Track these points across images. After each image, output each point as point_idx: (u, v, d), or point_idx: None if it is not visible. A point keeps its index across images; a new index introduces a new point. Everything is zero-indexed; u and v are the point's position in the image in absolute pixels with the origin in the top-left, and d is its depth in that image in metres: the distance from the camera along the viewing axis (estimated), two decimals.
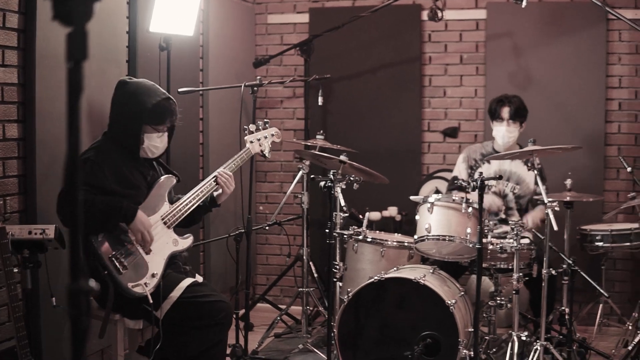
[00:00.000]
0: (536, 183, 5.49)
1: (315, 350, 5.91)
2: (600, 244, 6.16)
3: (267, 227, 6.48)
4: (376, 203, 6.86)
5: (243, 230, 5.51)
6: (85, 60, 1.58)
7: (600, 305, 6.47)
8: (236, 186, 4.99)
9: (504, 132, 6.00)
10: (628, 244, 6.13)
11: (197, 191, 4.61)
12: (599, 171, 6.92)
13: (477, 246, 4.71)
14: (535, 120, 6.46)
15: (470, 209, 5.14)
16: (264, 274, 7.76)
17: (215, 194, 4.78)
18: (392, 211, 7.00)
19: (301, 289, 6.39)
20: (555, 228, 4.92)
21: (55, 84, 4.59)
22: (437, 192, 6.67)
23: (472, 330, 4.94)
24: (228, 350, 5.37)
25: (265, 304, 6.95)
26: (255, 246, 7.71)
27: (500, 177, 5.06)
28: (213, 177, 4.70)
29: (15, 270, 3.76)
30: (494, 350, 5.59)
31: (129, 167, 4.40)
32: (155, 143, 4.47)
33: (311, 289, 6.43)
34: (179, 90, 5.51)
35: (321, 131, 6.28)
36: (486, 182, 5.29)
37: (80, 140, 1.61)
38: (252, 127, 5.03)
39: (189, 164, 6.26)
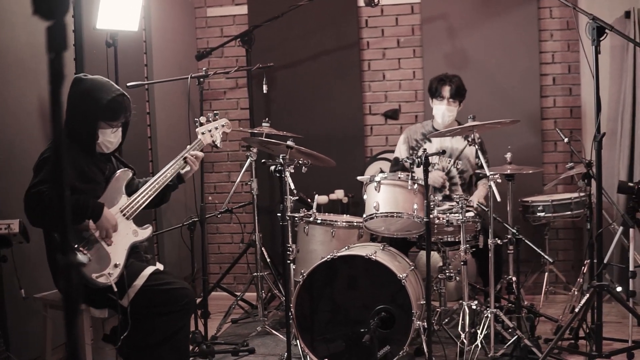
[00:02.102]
0: (477, 157, 5.70)
1: (273, 332, 6.05)
2: (542, 214, 6.38)
3: (219, 215, 6.59)
4: (323, 187, 6.96)
5: (197, 219, 5.63)
6: (66, 51, 1.70)
7: (546, 274, 6.71)
8: (191, 179, 5.14)
9: (444, 111, 6.19)
10: (569, 212, 6.35)
11: (158, 178, 4.73)
12: (538, 145, 7.15)
13: (424, 220, 4.87)
14: (474, 98, 6.66)
15: (415, 186, 5.31)
16: (217, 263, 7.88)
17: (182, 171, 4.91)
18: (338, 194, 7.14)
19: (255, 274, 6.52)
20: (499, 199, 5.10)
21: (3, 84, 4.66)
22: (382, 172, 6.83)
23: (424, 302, 5.12)
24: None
25: (220, 292, 7.05)
26: (206, 236, 7.82)
27: (443, 152, 5.24)
28: (182, 158, 4.84)
29: None
30: (446, 321, 5.79)
31: (87, 162, 4.48)
32: (109, 139, 4.55)
33: (265, 273, 6.56)
34: (128, 84, 5.61)
35: (267, 118, 6.40)
36: (430, 158, 5.55)
37: (63, 129, 1.73)
38: (202, 119, 5.14)
39: (138, 158, 6.33)
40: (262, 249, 6.61)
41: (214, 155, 7.77)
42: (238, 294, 6.66)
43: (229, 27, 7.69)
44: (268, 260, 6.68)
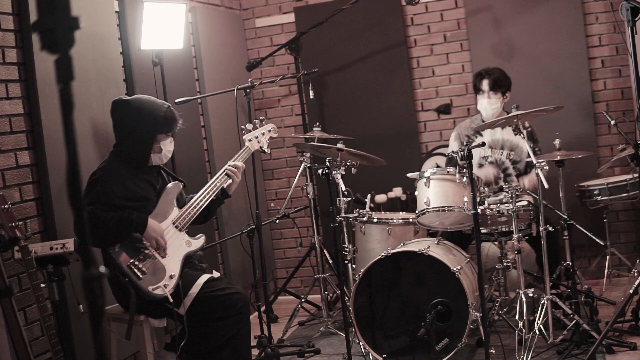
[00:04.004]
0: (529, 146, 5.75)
1: (337, 332, 6.16)
2: (599, 197, 6.37)
3: (276, 221, 6.73)
4: (381, 186, 7.09)
5: (254, 226, 5.76)
6: (73, 81, 1.83)
7: (607, 257, 6.69)
8: (244, 186, 5.28)
9: (485, 105, 6.24)
10: (625, 194, 6.32)
11: (205, 191, 4.91)
12: (591, 128, 7.13)
13: (472, 212, 4.92)
14: (523, 87, 6.70)
15: (464, 179, 5.35)
16: (283, 268, 8.02)
17: (225, 185, 5.08)
18: (397, 192, 7.21)
19: (318, 276, 6.65)
20: (546, 186, 5.13)
21: (56, 111, 4.86)
22: (438, 167, 6.88)
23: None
24: (254, 342, 5.64)
25: (287, 296, 7.20)
26: (271, 242, 7.98)
27: (483, 144, 5.27)
28: (224, 172, 5.02)
29: (42, 285, 4.02)
30: (505, 310, 5.82)
31: (137, 179, 4.68)
32: (169, 148, 4.84)
33: (327, 274, 6.67)
34: (176, 100, 5.76)
35: (317, 123, 6.52)
36: (484, 151, 5.63)
37: (78, 151, 1.86)
38: (249, 126, 5.31)
39: (196, 171, 6.52)
40: (324, 251, 6.74)
41: (273, 162, 7.94)
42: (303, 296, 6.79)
43: (278, 36, 7.84)
44: (330, 261, 6.79)
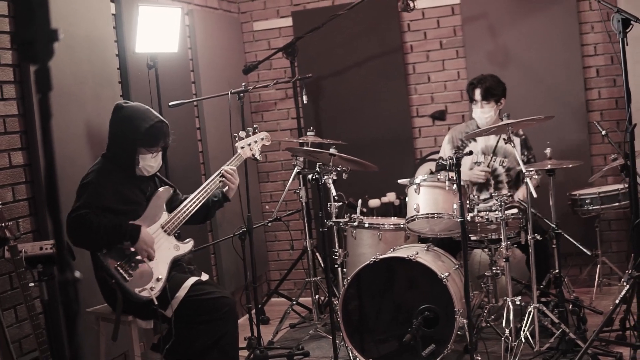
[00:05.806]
0: (522, 154, 5.78)
1: (327, 335, 6.18)
2: (590, 206, 6.40)
3: (269, 224, 6.77)
4: (375, 190, 7.13)
5: (245, 229, 5.81)
6: (51, 91, 1.88)
7: (598, 266, 6.71)
8: (237, 189, 5.32)
9: (479, 114, 6.27)
10: (617, 204, 6.35)
11: (198, 194, 4.95)
12: (585, 137, 7.16)
13: (459, 219, 4.96)
14: (517, 94, 6.73)
15: (454, 186, 5.38)
16: (277, 270, 8.07)
17: (225, 189, 5.13)
18: (390, 197, 7.24)
19: (309, 279, 6.69)
20: (535, 195, 5.16)
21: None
22: (432, 173, 6.92)
23: (471, 300, 5.20)
24: (244, 343, 5.68)
25: (279, 298, 7.24)
26: (265, 244, 8.03)
27: (471, 153, 5.30)
28: (218, 174, 5.04)
29: (32, 284, 4.07)
30: (493, 317, 5.86)
31: (128, 185, 4.72)
32: (150, 163, 4.78)
33: (319, 278, 6.72)
34: (170, 104, 5.81)
35: (311, 127, 6.55)
36: (476, 157, 5.69)
37: (55, 158, 1.91)
38: (242, 133, 5.34)
39: (191, 173, 6.57)
40: (317, 254, 6.78)
41: (269, 165, 7.99)
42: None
43: (276, 40, 7.88)
44: (322, 265, 6.83)
